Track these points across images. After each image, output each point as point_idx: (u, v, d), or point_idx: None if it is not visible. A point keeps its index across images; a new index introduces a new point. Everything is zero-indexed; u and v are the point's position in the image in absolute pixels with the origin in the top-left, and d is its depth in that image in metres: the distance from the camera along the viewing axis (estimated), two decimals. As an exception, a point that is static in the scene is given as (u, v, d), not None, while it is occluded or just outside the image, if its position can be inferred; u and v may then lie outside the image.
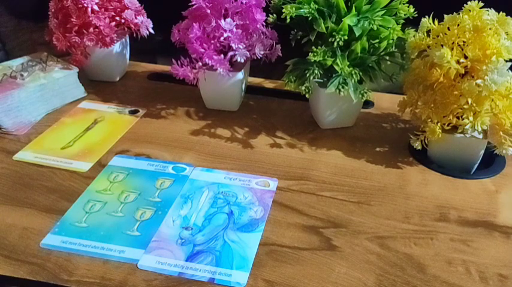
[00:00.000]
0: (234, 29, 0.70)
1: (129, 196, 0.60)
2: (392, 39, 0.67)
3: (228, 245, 0.53)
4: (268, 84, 0.89)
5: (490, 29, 0.60)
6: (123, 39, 0.85)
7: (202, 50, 0.70)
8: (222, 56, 0.70)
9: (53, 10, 0.79)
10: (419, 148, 0.66)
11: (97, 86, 0.85)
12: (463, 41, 0.61)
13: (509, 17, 0.60)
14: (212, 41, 0.70)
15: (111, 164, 0.65)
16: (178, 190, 0.61)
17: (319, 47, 0.65)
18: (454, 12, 0.63)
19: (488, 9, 0.62)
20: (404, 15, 0.67)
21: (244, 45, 0.71)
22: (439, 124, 0.63)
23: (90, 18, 0.77)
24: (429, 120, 0.64)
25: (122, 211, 0.57)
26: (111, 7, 0.79)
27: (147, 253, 0.51)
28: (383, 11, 0.67)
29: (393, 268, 0.51)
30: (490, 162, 0.68)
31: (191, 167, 0.65)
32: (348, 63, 0.67)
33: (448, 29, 0.63)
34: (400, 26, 0.66)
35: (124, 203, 0.58)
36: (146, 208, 0.58)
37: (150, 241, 0.53)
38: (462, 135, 0.64)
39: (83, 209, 0.57)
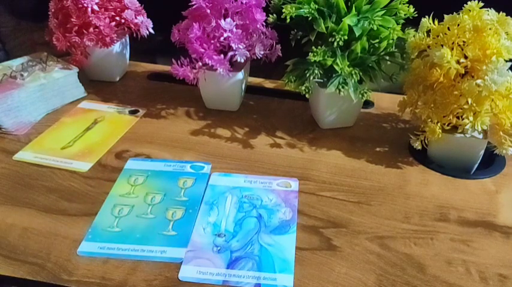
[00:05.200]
0: (234, 29, 0.70)
1: (155, 197, 0.59)
2: (393, 39, 0.66)
3: (265, 249, 0.53)
4: (268, 84, 0.89)
5: (490, 29, 0.60)
6: (123, 39, 0.85)
7: (202, 50, 0.70)
8: (222, 56, 0.70)
9: (53, 10, 0.79)
10: (419, 147, 0.66)
11: (97, 86, 0.85)
12: (463, 41, 0.61)
13: (509, 17, 0.60)
14: (212, 41, 0.70)
15: (127, 168, 0.64)
16: (202, 187, 0.61)
17: (319, 47, 0.65)
18: (454, 12, 0.63)
19: (488, 9, 0.62)
20: (404, 15, 0.67)
21: (244, 45, 0.71)
22: (439, 124, 0.63)
23: (90, 18, 0.77)
24: (429, 120, 0.64)
25: (152, 213, 0.57)
26: (111, 7, 0.79)
27: (185, 263, 0.51)
28: (383, 11, 0.67)
29: (393, 268, 0.51)
30: (490, 162, 0.68)
31: (209, 165, 0.65)
32: (348, 63, 0.67)
33: (448, 29, 0.63)
34: (400, 26, 0.66)
35: (152, 205, 0.58)
36: (176, 207, 0.58)
37: (188, 239, 0.53)
38: (462, 135, 0.64)
39: (112, 214, 0.57)
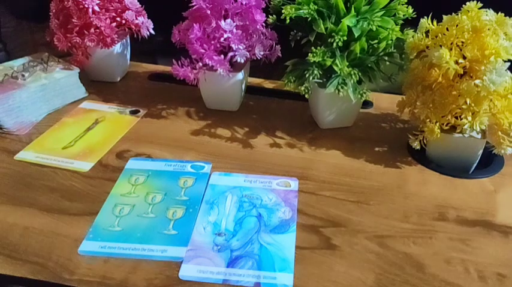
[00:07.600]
0: (234, 30, 0.70)
1: (156, 196, 0.60)
2: (391, 39, 0.67)
3: (265, 248, 0.53)
4: (268, 84, 0.89)
5: (488, 29, 0.60)
6: (124, 40, 0.85)
7: (203, 51, 0.70)
8: (222, 56, 0.71)
9: (54, 11, 0.80)
10: (418, 147, 0.66)
11: (98, 86, 0.85)
12: (462, 42, 0.62)
13: (507, 17, 0.61)
14: (212, 42, 0.70)
15: (128, 167, 0.65)
16: (202, 187, 0.61)
17: (318, 48, 0.66)
18: (453, 13, 0.64)
19: (487, 9, 0.62)
20: (403, 15, 0.67)
21: (244, 46, 0.71)
22: (437, 124, 0.63)
23: (91, 19, 0.77)
24: (428, 120, 0.64)
25: (153, 212, 0.57)
26: (112, 8, 0.80)
27: (185, 262, 0.51)
28: (382, 12, 0.68)
29: (392, 267, 0.51)
30: (489, 162, 0.68)
31: (209, 164, 0.66)
32: (347, 63, 0.67)
33: (447, 29, 0.63)
34: (399, 26, 0.67)
35: (152, 204, 0.59)
36: (176, 206, 0.58)
37: (189, 238, 0.54)
38: (461, 135, 0.65)
39: (113, 214, 0.57)
